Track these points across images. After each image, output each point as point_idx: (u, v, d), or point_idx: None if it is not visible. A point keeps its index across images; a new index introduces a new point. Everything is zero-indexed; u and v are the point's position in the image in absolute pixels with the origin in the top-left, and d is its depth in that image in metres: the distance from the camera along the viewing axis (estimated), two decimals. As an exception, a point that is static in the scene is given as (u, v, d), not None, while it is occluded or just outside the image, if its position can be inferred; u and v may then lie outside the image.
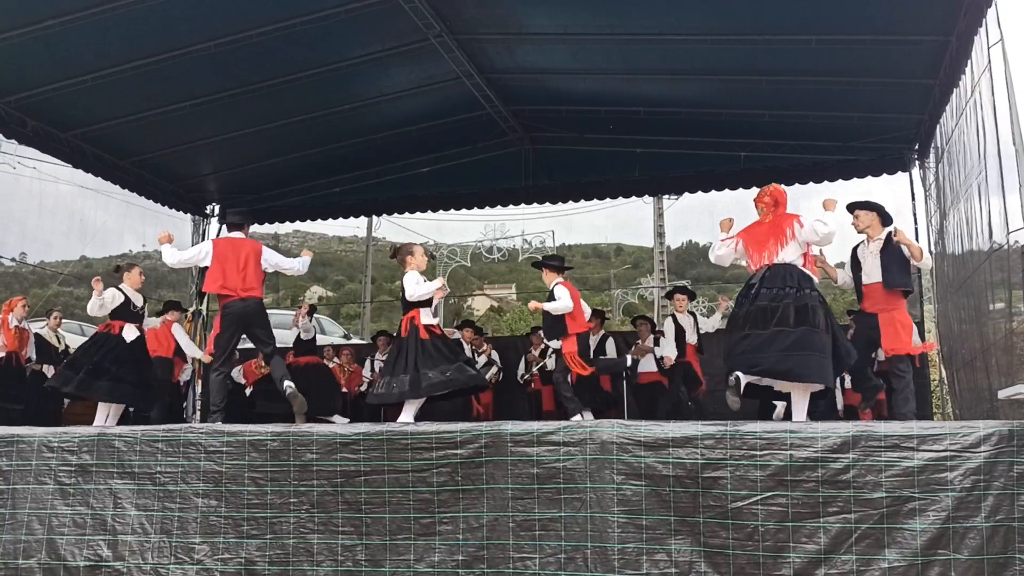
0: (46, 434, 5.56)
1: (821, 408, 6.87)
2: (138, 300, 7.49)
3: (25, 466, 5.49)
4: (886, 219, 6.32)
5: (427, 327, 6.28)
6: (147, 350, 7.63)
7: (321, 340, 15.46)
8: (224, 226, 7.14)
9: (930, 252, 10.04)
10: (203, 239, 12.89)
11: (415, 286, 6.27)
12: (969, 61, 7.03)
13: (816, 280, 5.69)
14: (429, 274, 6.68)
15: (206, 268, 6.75)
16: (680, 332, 8.77)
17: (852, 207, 6.35)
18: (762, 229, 5.83)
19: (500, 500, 4.77)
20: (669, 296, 9.52)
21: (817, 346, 5.39)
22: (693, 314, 9.10)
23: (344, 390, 10.75)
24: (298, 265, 7.10)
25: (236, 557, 5.04)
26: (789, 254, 5.63)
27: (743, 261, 5.92)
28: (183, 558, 5.11)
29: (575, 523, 4.62)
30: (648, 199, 14.09)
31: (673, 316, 8.93)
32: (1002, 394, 5.87)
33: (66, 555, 5.29)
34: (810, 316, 5.40)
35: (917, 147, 9.97)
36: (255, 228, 13.15)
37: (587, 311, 7.55)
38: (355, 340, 16.60)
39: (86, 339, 7.71)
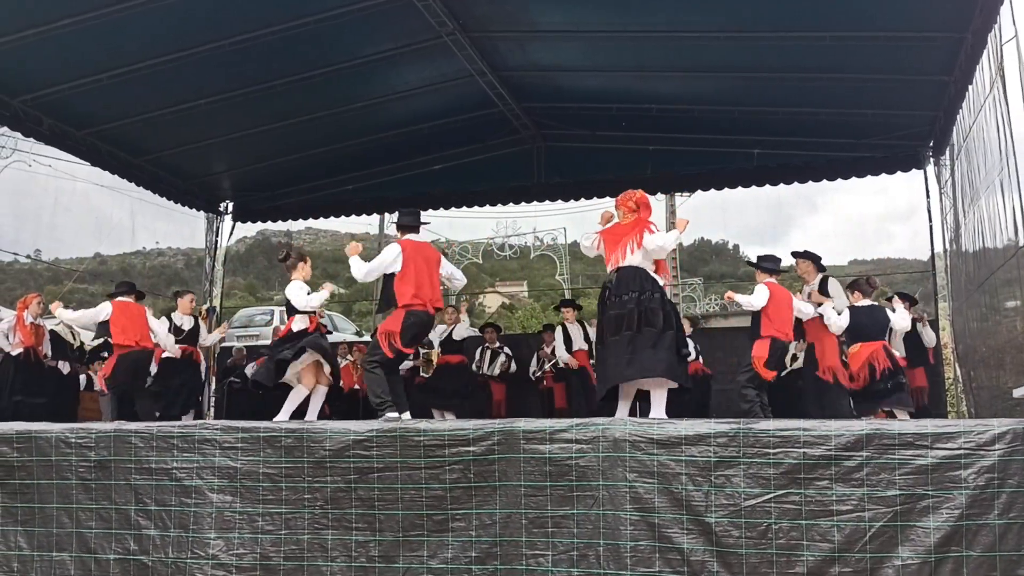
0: (63, 430, 5.62)
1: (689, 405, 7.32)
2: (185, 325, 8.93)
3: (46, 462, 5.55)
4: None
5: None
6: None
7: (333, 337, 15.55)
8: (400, 228, 6.55)
9: (944, 250, 10.03)
10: (216, 236, 12.96)
11: (305, 297, 6.76)
12: (986, 57, 6.98)
13: (663, 283, 5.98)
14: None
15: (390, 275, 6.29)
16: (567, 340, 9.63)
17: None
18: (620, 231, 6.07)
19: (513, 497, 4.78)
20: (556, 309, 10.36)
21: (654, 344, 5.67)
22: (582, 323, 9.79)
23: (356, 387, 10.79)
24: (459, 279, 6.76)
25: (251, 552, 5.08)
26: (637, 258, 5.88)
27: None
28: (199, 553, 5.15)
29: (587, 520, 4.63)
30: (660, 196, 14.02)
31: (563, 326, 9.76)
32: (1017, 392, 5.85)
33: (96, 548, 5.37)
34: (651, 318, 5.69)
35: (932, 144, 9.91)
36: (268, 225, 13.23)
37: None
38: (367, 337, 16.64)
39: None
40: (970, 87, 7.67)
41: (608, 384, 5.82)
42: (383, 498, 4.96)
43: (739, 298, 6.92)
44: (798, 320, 7.38)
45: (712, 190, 11.64)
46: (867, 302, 7.23)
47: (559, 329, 9.90)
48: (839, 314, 7.13)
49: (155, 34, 7.99)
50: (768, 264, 7.00)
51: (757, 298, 6.75)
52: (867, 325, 7.13)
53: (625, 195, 6.14)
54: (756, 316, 6.83)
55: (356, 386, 10.80)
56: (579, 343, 9.69)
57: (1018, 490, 4.14)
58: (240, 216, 12.97)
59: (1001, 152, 6.68)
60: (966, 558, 4.14)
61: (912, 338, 9.05)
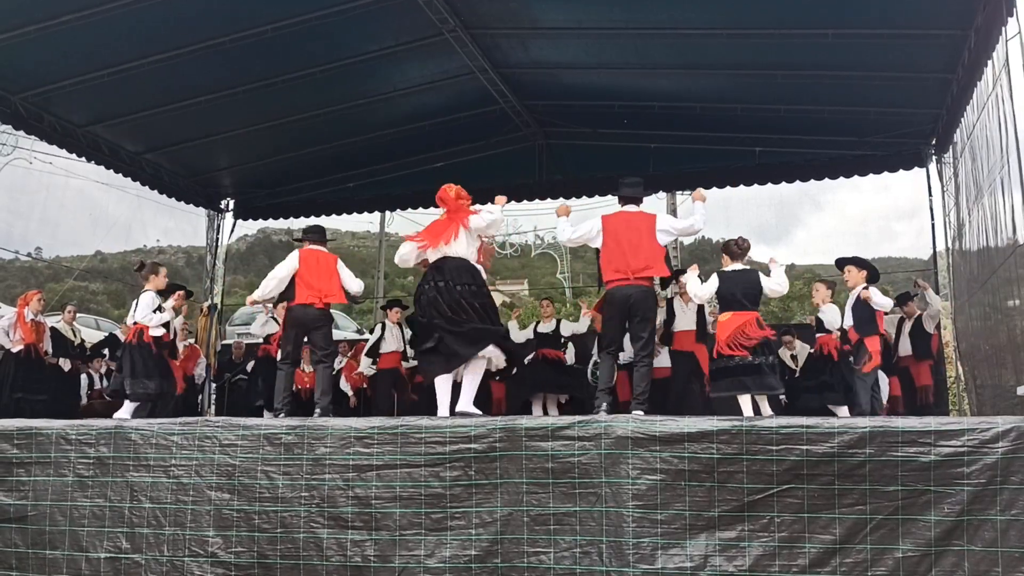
0: (63, 427, 5.60)
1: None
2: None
3: (44, 458, 5.54)
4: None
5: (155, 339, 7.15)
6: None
7: (334, 335, 15.51)
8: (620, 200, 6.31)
9: (947, 248, 10.02)
10: (217, 234, 12.95)
11: (149, 312, 7.09)
12: (991, 55, 6.96)
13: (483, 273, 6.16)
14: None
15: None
16: (670, 317, 8.41)
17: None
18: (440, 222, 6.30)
19: (514, 494, 4.76)
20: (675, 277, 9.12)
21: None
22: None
23: (364, 386, 10.76)
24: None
25: (248, 551, 5.06)
26: (462, 247, 6.07)
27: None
28: (197, 551, 5.13)
29: (590, 518, 4.62)
30: (662, 195, 13.99)
31: (669, 300, 8.59)
32: (1021, 390, 5.84)
33: (88, 547, 5.34)
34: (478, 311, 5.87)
35: (934, 142, 9.89)
36: (269, 223, 13.23)
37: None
38: (367, 336, 16.62)
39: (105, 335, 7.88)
40: (973, 85, 7.65)
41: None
42: (380, 496, 4.94)
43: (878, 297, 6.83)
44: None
45: (714, 188, 11.62)
46: (738, 266, 6.44)
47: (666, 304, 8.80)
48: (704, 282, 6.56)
49: (156, 30, 7.98)
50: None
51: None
52: (737, 292, 6.35)
53: (441, 190, 6.43)
54: (873, 315, 6.78)
55: (363, 384, 10.76)
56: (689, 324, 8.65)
57: (1021, 487, 4.13)
58: (241, 214, 12.96)
59: (1002, 150, 6.67)
60: (967, 552, 4.15)
61: (917, 332, 9.06)
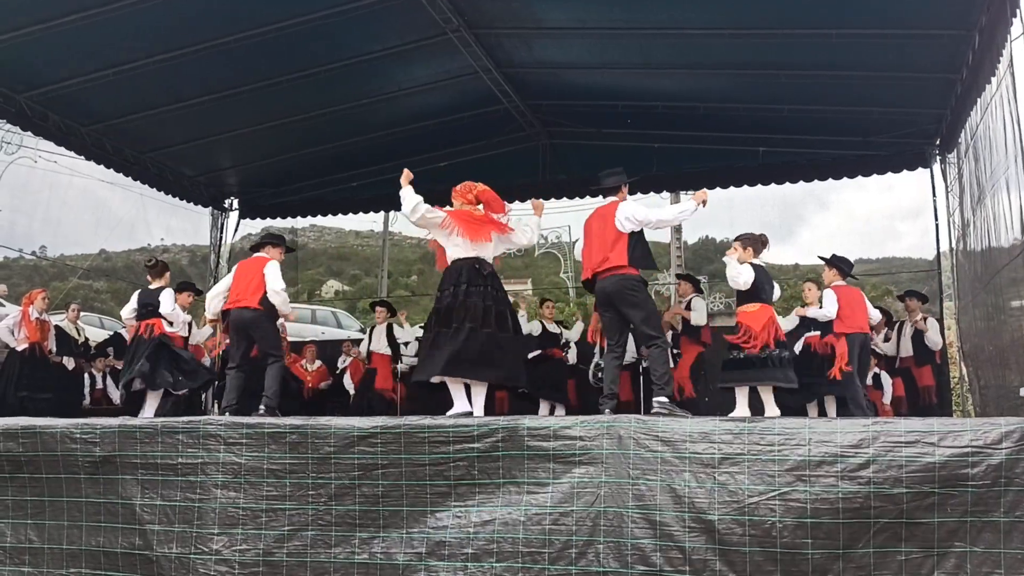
0: (67, 425, 5.63)
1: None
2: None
3: (52, 457, 5.57)
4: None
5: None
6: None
7: (338, 334, 15.55)
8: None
9: (951, 249, 10.01)
10: (221, 232, 12.97)
11: (172, 307, 7.38)
12: (996, 55, 6.96)
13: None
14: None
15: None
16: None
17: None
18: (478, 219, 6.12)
19: (515, 494, 4.77)
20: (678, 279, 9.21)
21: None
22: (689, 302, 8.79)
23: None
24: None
25: (254, 548, 5.08)
26: (490, 251, 6.06)
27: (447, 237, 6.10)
28: (202, 548, 5.16)
29: (589, 518, 4.62)
30: (665, 194, 13.98)
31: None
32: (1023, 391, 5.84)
33: (104, 542, 5.40)
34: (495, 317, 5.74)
35: (938, 142, 9.88)
36: (270, 222, 13.24)
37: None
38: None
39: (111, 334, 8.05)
40: (978, 85, 7.64)
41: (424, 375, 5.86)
42: (387, 495, 4.96)
43: (811, 312, 7.02)
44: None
45: (717, 188, 11.61)
46: (759, 261, 6.57)
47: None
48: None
49: (161, 30, 8.01)
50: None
51: (829, 307, 6.89)
52: (766, 284, 6.54)
53: (464, 186, 6.39)
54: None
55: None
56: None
57: (1024, 489, 4.12)
58: (245, 213, 12.99)
59: (1006, 150, 6.66)
60: (970, 553, 4.14)
61: (919, 337, 9.06)
